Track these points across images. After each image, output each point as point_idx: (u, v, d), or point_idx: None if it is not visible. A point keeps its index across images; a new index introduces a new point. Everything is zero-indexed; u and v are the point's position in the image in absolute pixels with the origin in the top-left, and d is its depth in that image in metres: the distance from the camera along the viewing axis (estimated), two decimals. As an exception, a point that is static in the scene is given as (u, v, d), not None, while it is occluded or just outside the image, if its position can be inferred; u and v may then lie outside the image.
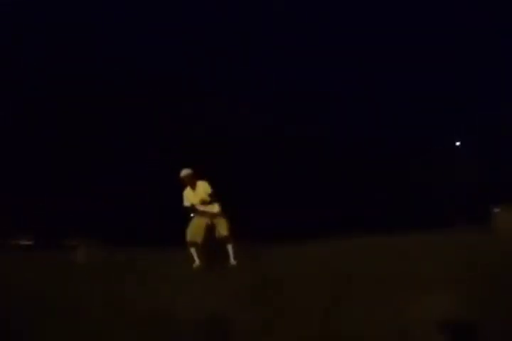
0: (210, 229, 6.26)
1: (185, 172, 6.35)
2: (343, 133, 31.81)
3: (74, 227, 19.33)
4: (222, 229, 6.27)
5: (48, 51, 28.42)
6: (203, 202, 6.24)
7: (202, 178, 6.42)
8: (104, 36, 29.13)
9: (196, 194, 6.32)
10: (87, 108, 27.79)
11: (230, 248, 6.27)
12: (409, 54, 31.01)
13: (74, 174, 25.60)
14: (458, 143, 30.76)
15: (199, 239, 6.24)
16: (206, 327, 2.73)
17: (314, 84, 33.97)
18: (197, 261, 6.22)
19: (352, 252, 6.61)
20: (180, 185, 6.36)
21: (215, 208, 6.33)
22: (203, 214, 6.30)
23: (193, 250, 6.27)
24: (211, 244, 6.27)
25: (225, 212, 6.37)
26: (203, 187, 6.34)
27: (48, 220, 23.83)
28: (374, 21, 35.16)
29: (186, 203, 6.38)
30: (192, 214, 6.40)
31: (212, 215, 6.27)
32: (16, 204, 24.27)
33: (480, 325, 2.60)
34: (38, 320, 2.89)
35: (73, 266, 6.80)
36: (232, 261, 6.23)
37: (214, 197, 6.31)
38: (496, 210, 13.12)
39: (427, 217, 22.25)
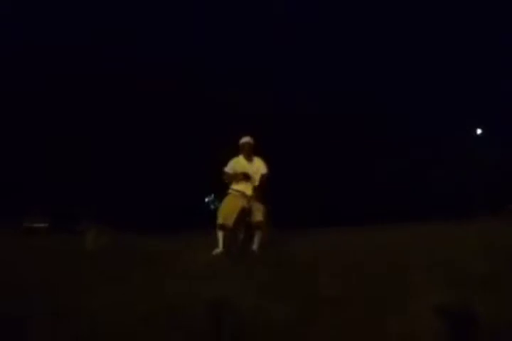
0: (245, 212, 5.64)
1: (248, 138, 5.78)
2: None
3: (86, 211, 19.23)
4: (258, 214, 5.65)
5: (49, 51, 28.35)
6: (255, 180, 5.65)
7: (259, 154, 5.88)
8: (105, 36, 29.04)
9: (251, 166, 5.74)
10: (87, 108, 27.69)
11: (258, 234, 5.67)
12: (409, 54, 31.00)
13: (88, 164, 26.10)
14: (479, 132, 29.36)
15: (230, 222, 5.60)
16: (219, 317, 2.50)
17: (314, 83, 33.92)
18: (220, 247, 5.57)
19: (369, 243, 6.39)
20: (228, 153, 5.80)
21: (252, 190, 5.67)
22: (240, 190, 5.69)
23: (220, 234, 5.60)
24: (240, 229, 5.71)
25: (263, 197, 5.74)
26: (260, 164, 5.78)
27: (63, 204, 24.11)
28: (374, 21, 35.17)
29: (229, 170, 5.74)
30: (226, 182, 5.76)
31: (249, 197, 5.64)
32: (31, 188, 25.10)
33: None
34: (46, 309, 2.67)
35: (81, 253, 6.27)
36: (255, 247, 5.65)
37: (266, 181, 5.70)
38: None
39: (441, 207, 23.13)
